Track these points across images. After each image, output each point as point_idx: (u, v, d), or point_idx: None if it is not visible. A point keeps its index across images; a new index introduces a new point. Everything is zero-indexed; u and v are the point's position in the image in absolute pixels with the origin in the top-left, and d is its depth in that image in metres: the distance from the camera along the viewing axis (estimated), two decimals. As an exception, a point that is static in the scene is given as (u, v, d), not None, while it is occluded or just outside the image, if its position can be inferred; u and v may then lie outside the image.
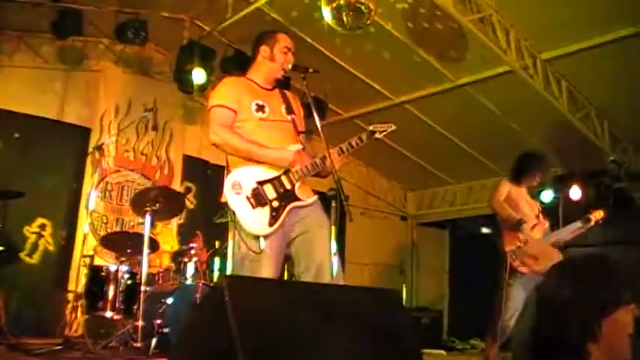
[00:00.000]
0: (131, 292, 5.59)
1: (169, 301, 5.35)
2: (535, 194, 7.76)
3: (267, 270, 3.37)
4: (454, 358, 8.57)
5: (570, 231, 5.45)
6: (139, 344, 5.03)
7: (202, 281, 5.68)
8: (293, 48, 3.81)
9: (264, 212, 3.42)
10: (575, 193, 7.87)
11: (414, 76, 7.62)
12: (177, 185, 8.13)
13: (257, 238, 3.38)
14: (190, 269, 5.78)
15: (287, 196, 3.51)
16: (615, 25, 5.95)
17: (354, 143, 3.63)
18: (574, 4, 5.80)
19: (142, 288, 5.18)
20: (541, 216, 5.53)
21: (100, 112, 7.54)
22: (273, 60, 3.74)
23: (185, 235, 7.26)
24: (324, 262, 3.50)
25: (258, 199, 3.42)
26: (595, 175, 7.91)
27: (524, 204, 5.44)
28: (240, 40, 7.36)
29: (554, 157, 8.14)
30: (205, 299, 1.98)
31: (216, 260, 6.47)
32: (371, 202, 10.58)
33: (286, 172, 3.54)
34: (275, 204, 3.46)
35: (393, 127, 3.72)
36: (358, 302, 2.27)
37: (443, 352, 8.64)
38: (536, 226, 5.36)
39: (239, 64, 7.46)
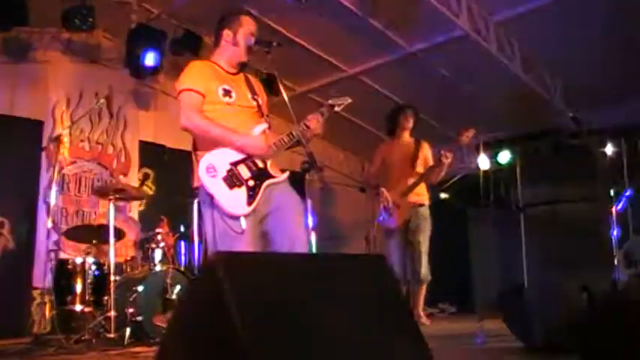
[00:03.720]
0: (100, 283, 5.53)
1: (140, 288, 5.30)
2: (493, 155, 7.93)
3: (249, 247, 3.40)
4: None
5: (426, 176, 6.01)
6: (112, 335, 4.99)
7: (172, 266, 5.64)
8: (256, 32, 3.78)
9: (241, 192, 3.46)
10: (531, 152, 8.05)
11: (367, 46, 7.60)
12: (135, 172, 8.00)
13: (237, 218, 3.41)
14: (158, 255, 5.74)
15: (261, 174, 3.55)
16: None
17: (318, 116, 3.63)
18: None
19: (112, 278, 5.13)
20: (427, 158, 6.18)
21: (51, 104, 7.33)
22: (236, 45, 3.73)
23: (147, 221, 7.15)
24: (297, 236, 3.56)
25: (233, 180, 3.45)
26: (550, 133, 8.07)
27: (397, 156, 6.12)
28: (189, 21, 7.25)
29: (510, 118, 8.27)
30: (197, 278, 1.95)
31: (183, 244, 6.45)
32: (328, 175, 10.55)
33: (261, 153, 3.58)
34: (251, 183, 3.50)
35: (349, 100, 3.71)
36: (348, 270, 2.27)
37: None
38: (401, 180, 5.95)
39: (189, 44, 7.36)
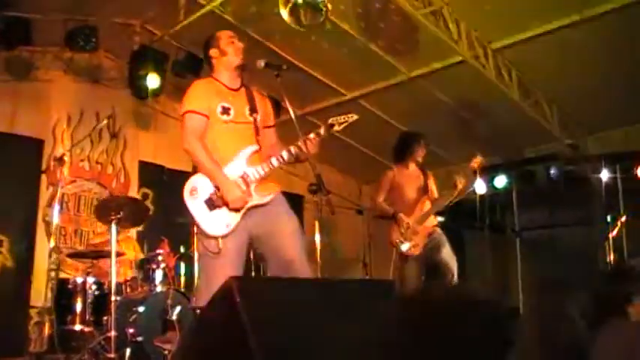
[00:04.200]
0: (100, 303, 5.53)
1: (141, 309, 5.31)
2: (490, 180, 8.01)
3: (226, 269, 3.45)
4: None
5: (442, 202, 5.96)
6: (112, 355, 4.97)
7: (172, 287, 5.65)
8: (236, 36, 3.97)
9: (221, 214, 3.60)
10: (528, 177, 8.14)
11: (367, 70, 7.69)
12: (134, 192, 8.05)
13: (215, 238, 3.56)
14: (159, 276, 5.75)
15: None
16: (561, 12, 6.13)
17: (313, 137, 3.75)
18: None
19: (112, 298, 5.13)
20: (432, 188, 6.14)
21: (52, 123, 7.39)
22: (225, 54, 3.88)
23: (146, 242, 7.16)
24: (295, 258, 3.65)
25: (215, 201, 3.61)
26: (546, 160, 8.16)
27: (409, 184, 6.05)
28: (191, 43, 7.32)
29: (507, 143, 8.37)
30: (210, 306, 1.98)
31: (182, 265, 6.46)
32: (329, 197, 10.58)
33: (243, 174, 3.69)
34: (238, 204, 3.62)
35: (355, 117, 3.83)
36: (360, 295, 2.31)
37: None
38: (416, 207, 5.92)
39: (191, 66, 7.43)
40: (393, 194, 6.08)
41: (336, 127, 3.81)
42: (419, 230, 5.78)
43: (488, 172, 8.90)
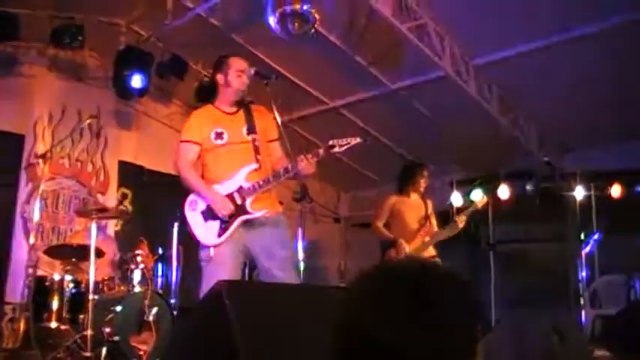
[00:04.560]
0: (77, 302, 5.52)
1: (118, 308, 5.32)
2: (467, 194, 8.15)
3: (218, 274, 3.62)
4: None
5: (442, 237, 6.02)
6: (88, 354, 4.98)
7: (150, 288, 5.67)
8: (247, 69, 4.09)
9: (215, 225, 3.88)
10: (504, 192, 8.27)
11: (350, 81, 7.79)
12: (113, 191, 8.04)
13: (207, 247, 3.86)
14: (137, 276, 5.75)
15: (237, 210, 3.89)
16: (543, 31, 6.28)
17: (310, 157, 3.93)
18: (505, 12, 6.09)
19: (90, 296, 5.13)
20: (432, 219, 6.11)
21: (33, 119, 7.35)
22: (229, 85, 4.05)
23: (124, 241, 7.17)
24: (286, 279, 3.81)
25: (210, 213, 3.90)
26: (523, 175, 8.32)
27: (410, 213, 6.04)
28: (176, 46, 7.35)
29: (484, 158, 8.51)
30: (200, 306, 2.06)
31: (160, 266, 6.48)
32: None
33: (239, 189, 3.89)
34: (225, 218, 3.87)
35: (358, 140, 4.03)
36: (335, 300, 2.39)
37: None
38: (418, 233, 5.92)
39: (175, 69, 7.47)
40: (393, 221, 6.10)
41: (337, 149, 3.98)
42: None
43: (465, 185, 9.04)
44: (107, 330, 5.20)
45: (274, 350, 2.01)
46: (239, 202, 3.88)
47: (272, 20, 5.22)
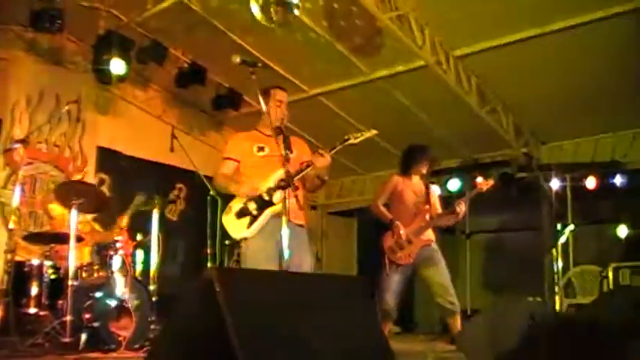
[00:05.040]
0: (56, 287, 5.50)
1: (98, 294, 5.31)
2: (443, 183, 8.21)
3: (253, 261, 4.19)
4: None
5: (441, 222, 5.93)
6: (67, 339, 4.98)
7: (129, 274, 5.66)
8: (285, 99, 4.53)
9: (245, 220, 4.29)
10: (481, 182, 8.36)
11: (330, 69, 7.80)
12: (90, 177, 7.97)
13: (239, 241, 4.35)
14: (117, 262, 5.72)
15: (264, 205, 4.28)
16: (522, 25, 6.36)
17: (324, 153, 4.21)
18: (485, 5, 6.15)
19: (70, 282, 5.12)
20: (435, 203, 6.01)
21: (10, 103, 7.28)
22: (269, 113, 4.31)
23: (100, 227, 7.13)
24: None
25: (242, 212, 4.31)
26: (499, 165, 8.43)
27: (409, 195, 5.94)
28: (156, 31, 7.32)
29: (462, 148, 8.59)
30: (190, 290, 2.08)
31: (139, 252, 6.47)
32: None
33: (268, 190, 4.27)
34: (255, 212, 4.27)
35: (374, 132, 4.40)
36: (333, 290, 2.43)
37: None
38: (416, 217, 5.84)
39: (155, 54, 7.44)
40: (393, 201, 6.02)
41: (352, 141, 4.28)
42: (414, 240, 5.71)
43: (443, 175, 9.14)
44: (87, 316, 5.19)
45: (263, 332, 2.05)
46: (267, 198, 4.26)
47: (254, 7, 5.21)
